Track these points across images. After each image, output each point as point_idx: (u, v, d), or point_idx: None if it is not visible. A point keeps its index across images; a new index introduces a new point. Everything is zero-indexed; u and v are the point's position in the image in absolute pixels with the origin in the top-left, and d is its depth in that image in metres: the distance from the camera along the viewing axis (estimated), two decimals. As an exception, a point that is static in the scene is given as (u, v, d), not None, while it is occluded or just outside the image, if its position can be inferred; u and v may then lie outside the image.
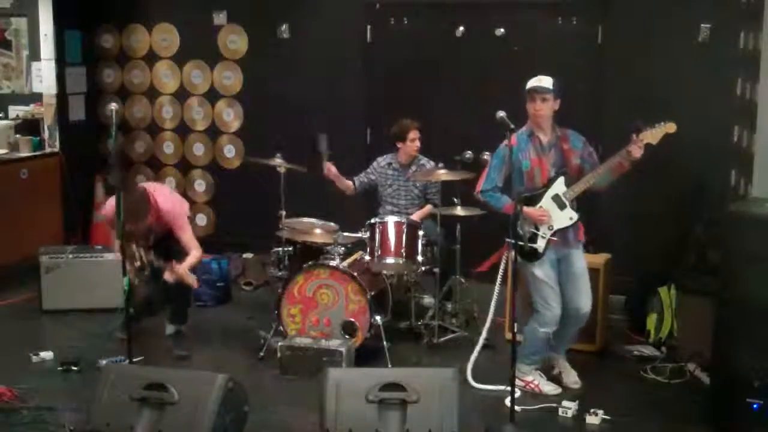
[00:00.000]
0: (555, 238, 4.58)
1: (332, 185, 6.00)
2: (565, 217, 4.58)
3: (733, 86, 5.81)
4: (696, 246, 5.49)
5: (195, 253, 5.22)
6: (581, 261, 4.69)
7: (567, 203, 4.57)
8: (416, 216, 5.70)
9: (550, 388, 4.74)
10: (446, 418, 3.55)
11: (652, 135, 4.40)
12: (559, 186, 4.58)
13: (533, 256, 4.62)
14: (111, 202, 5.00)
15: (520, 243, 4.42)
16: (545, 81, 4.58)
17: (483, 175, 4.74)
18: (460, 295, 5.72)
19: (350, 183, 5.99)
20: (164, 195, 5.33)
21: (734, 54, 5.82)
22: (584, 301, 4.65)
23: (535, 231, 4.60)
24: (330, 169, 5.83)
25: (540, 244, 4.60)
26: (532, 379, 4.74)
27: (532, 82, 4.59)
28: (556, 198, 4.59)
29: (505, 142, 4.36)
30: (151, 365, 4.79)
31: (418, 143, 5.83)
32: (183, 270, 5.09)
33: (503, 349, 5.18)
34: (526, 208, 4.52)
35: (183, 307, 5.45)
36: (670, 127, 4.39)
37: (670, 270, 5.65)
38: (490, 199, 4.70)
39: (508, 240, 4.55)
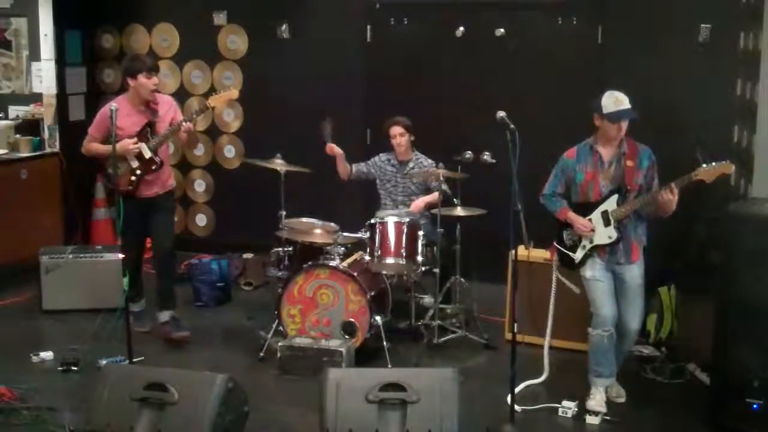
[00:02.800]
0: (597, 253, 4.56)
1: (332, 186, 6.01)
2: (605, 235, 4.53)
3: (733, 86, 5.81)
4: (696, 246, 5.49)
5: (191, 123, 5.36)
6: (634, 278, 4.57)
7: (612, 221, 4.51)
8: (421, 201, 5.72)
9: (595, 406, 4.53)
10: (446, 418, 3.55)
11: (707, 173, 4.29)
12: (610, 203, 4.54)
13: (571, 264, 4.67)
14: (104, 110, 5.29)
15: (561, 248, 4.62)
16: (626, 101, 4.52)
17: (549, 180, 4.78)
18: (460, 295, 5.72)
19: (348, 167, 5.99)
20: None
21: (734, 54, 5.82)
22: (632, 318, 4.56)
23: (576, 241, 4.64)
24: (333, 148, 5.85)
25: (577, 255, 4.64)
26: (592, 395, 4.57)
27: (616, 105, 4.49)
28: (604, 214, 4.54)
29: (566, 152, 4.63)
30: (151, 365, 4.79)
31: (399, 139, 5.84)
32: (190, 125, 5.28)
33: (503, 349, 5.19)
34: (572, 215, 4.60)
35: (170, 287, 5.62)
36: (727, 168, 4.28)
37: (670, 270, 5.64)
38: (548, 202, 4.74)
39: (555, 243, 4.70)
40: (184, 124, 5.26)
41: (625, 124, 4.51)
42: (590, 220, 4.56)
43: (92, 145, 5.47)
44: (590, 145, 4.62)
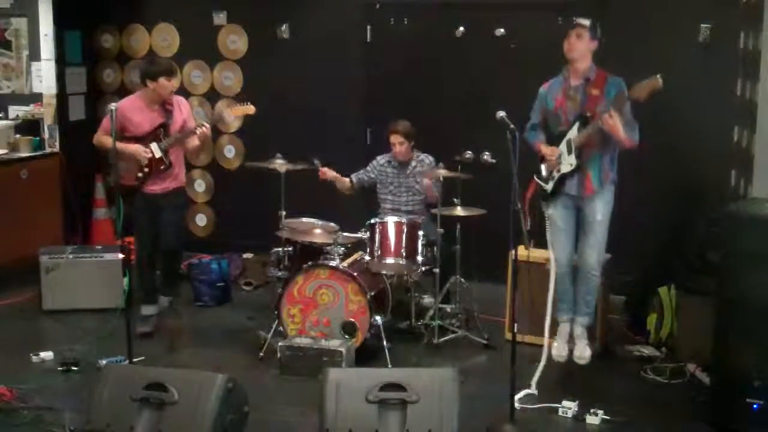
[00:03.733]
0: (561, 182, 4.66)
1: (332, 186, 6.02)
2: (567, 163, 4.60)
3: (733, 86, 5.81)
4: (696, 246, 5.49)
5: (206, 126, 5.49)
6: (592, 213, 4.64)
7: (573, 149, 4.56)
8: (428, 180, 5.69)
9: (555, 352, 4.80)
10: (446, 418, 3.55)
11: (639, 89, 4.32)
12: (573, 130, 4.58)
13: (545, 196, 4.76)
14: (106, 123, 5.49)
15: (537, 180, 4.72)
16: (582, 19, 4.63)
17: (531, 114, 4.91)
18: (460, 295, 5.72)
19: (347, 180, 6.00)
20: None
21: (734, 54, 5.81)
22: (589, 255, 4.66)
23: (550, 171, 4.70)
24: (325, 172, 5.88)
25: (549, 186, 4.71)
26: (556, 338, 4.80)
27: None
28: (568, 142, 4.59)
29: (543, 84, 4.77)
30: (151, 365, 4.79)
31: (399, 147, 5.81)
32: (207, 129, 5.44)
33: (503, 349, 5.19)
34: (541, 145, 4.72)
35: (176, 273, 5.79)
36: (656, 83, 4.28)
37: (670, 270, 5.64)
38: (528, 135, 4.82)
39: (534, 176, 4.80)
40: (199, 129, 5.38)
41: (577, 41, 4.58)
42: (560, 150, 4.63)
43: (103, 138, 5.55)
44: (563, 76, 4.71)
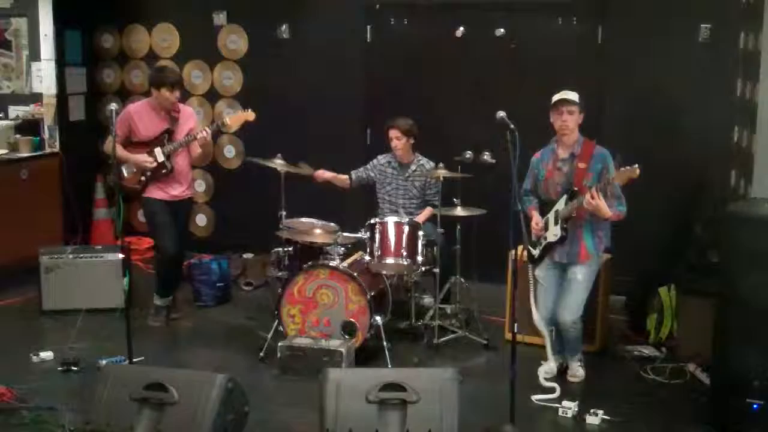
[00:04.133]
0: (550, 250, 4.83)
1: (330, 183, 6.02)
2: (552, 233, 4.78)
3: (733, 86, 5.81)
4: (696, 246, 5.50)
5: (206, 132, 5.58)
6: (578, 275, 4.76)
7: (559, 220, 4.73)
8: (422, 217, 5.70)
9: (541, 377, 4.79)
10: (446, 418, 3.55)
11: (619, 176, 4.45)
12: (560, 202, 4.75)
13: (532, 259, 4.94)
14: (125, 111, 5.66)
15: (528, 246, 4.78)
16: (571, 94, 4.72)
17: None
18: (460, 295, 5.72)
19: (345, 178, 6.00)
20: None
21: (734, 54, 5.82)
22: (565, 315, 4.75)
23: (538, 238, 4.89)
24: (321, 175, 5.90)
25: (536, 251, 4.91)
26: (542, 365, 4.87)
27: (559, 95, 4.73)
28: (555, 213, 4.77)
29: (536, 153, 4.89)
30: (151, 365, 4.79)
31: (396, 143, 5.82)
32: (207, 135, 5.54)
33: (503, 349, 5.19)
34: (532, 213, 4.91)
35: (178, 275, 5.94)
36: (633, 172, 4.36)
37: (670, 270, 5.65)
38: (521, 201, 4.78)
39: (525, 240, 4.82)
40: (199, 135, 5.49)
41: (569, 117, 4.67)
42: (547, 219, 4.82)
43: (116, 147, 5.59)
44: (552, 147, 4.85)
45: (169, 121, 5.63)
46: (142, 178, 5.60)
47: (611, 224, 4.80)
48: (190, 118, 5.77)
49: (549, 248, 4.83)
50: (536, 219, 4.90)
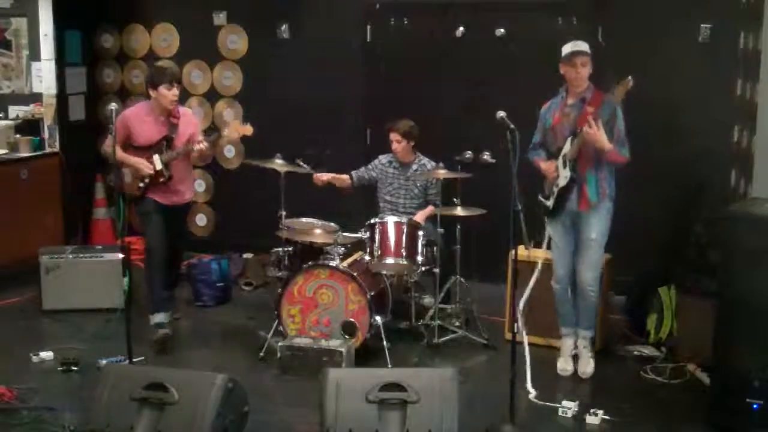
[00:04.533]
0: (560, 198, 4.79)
1: (331, 184, 6.02)
2: (563, 177, 4.73)
3: (733, 86, 5.81)
4: (696, 246, 5.49)
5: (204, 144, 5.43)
6: (589, 230, 4.78)
7: (567, 162, 4.70)
8: (419, 217, 5.68)
9: (560, 366, 4.97)
10: (446, 418, 3.56)
11: (618, 92, 4.49)
12: (567, 145, 4.72)
13: (548, 212, 4.91)
14: (121, 117, 5.39)
15: (541, 199, 4.89)
16: (584, 45, 4.74)
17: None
18: (460, 295, 5.72)
19: (347, 177, 6.00)
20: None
21: (734, 54, 5.82)
22: (584, 273, 4.80)
23: (550, 188, 4.85)
24: (320, 177, 5.86)
25: (550, 202, 4.86)
26: (560, 353, 5.02)
27: (571, 47, 4.74)
28: (563, 157, 4.74)
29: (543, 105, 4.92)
30: (151, 365, 4.79)
31: (396, 146, 5.81)
32: (206, 142, 5.39)
33: (503, 349, 5.19)
34: (540, 162, 4.89)
35: (175, 270, 5.82)
36: (627, 84, 4.43)
37: (670, 270, 5.64)
38: (529, 153, 4.94)
39: (539, 196, 4.96)
40: (196, 147, 5.36)
41: (583, 69, 4.70)
42: (557, 166, 4.78)
43: (110, 150, 5.42)
44: (562, 93, 4.86)
45: (168, 128, 5.46)
46: (141, 185, 5.46)
47: (615, 172, 4.81)
48: (190, 124, 5.60)
49: (562, 196, 4.78)
50: (548, 164, 4.86)
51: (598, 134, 4.54)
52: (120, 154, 5.35)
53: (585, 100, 4.72)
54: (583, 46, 4.74)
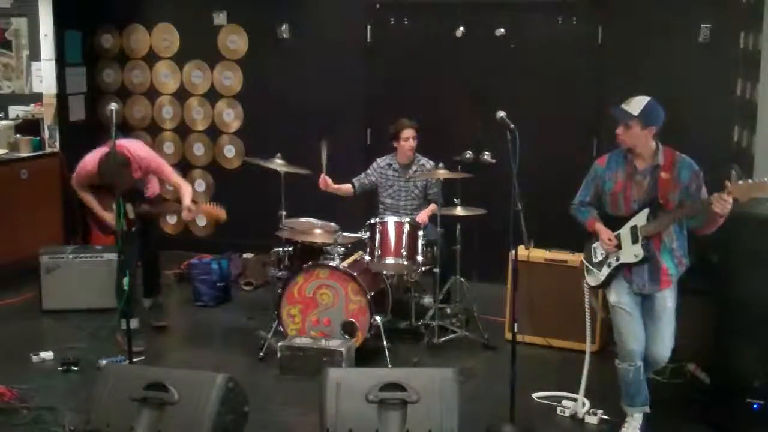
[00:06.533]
0: (622, 273, 4.18)
1: (333, 169, 6.00)
2: (632, 253, 4.10)
3: (733, 86, 5.81)
4: (695, 246, 5.48)
5: (187, 188, 5.45)
6: (663, 304, 4.11)
7: (639, 238, 4.09)
8: (422, 216, 5.67)
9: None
10: (446, 418, 3.55)
11: (741, 191, 3.75)
12: (640, 218, 4.10)
13: (594, 281, 4.33)
14: (85, 164, 5.36)
15: (587, 263, 4.35)
16: (633, 103, 4.12)
17: (580, 188, 4.41)
18: (460, 295, 5.72)
19: (349, 186, 5.98)
20: (135, 145, 5.54)
21: (734, 54, 5.82)
22: (659, 349, 4.12)
23: (605, 257, 4.25)
24: (325, 182, 5.79)
25: (603, 272, 4.25)
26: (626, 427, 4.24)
27: (619, 106, 4.15)
28: (633, 229, 4.12)
29: (598, 159, 4.31)
30: (151, 365, 4.79)
31: (411, 143, 5.80)
32: (194, 207, 5.36)
33: (503, 349, 5.19)
34: (599, 226, 4.24)
35: (155, 278, 5.89)
36: (763, 187, 3.70)
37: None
38: (576, 212, 4.39)
39: (583, 258, 4.41)
40: (185, 212, 5.37)
41: (625, 131, 4.09)
42: (618, 235, 4.16)
43: (81, 193, 5.57)
44: (624, 154, 4.19)
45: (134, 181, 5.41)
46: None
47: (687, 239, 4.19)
48: (141, 162, 5.38)
49: (617, 271, 4.19)
50: (607, 234, 4.18)
51: (729, 203, 3.78)
52: (87, 198, 5.45)
53: (659, 167, 4.09)
54: (633, 104, 4.11)
